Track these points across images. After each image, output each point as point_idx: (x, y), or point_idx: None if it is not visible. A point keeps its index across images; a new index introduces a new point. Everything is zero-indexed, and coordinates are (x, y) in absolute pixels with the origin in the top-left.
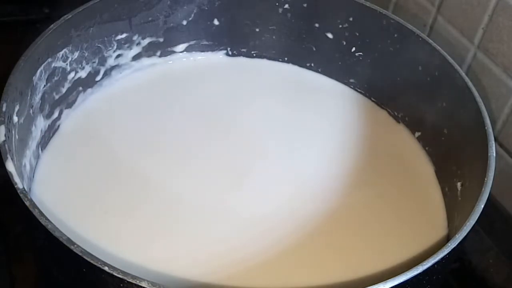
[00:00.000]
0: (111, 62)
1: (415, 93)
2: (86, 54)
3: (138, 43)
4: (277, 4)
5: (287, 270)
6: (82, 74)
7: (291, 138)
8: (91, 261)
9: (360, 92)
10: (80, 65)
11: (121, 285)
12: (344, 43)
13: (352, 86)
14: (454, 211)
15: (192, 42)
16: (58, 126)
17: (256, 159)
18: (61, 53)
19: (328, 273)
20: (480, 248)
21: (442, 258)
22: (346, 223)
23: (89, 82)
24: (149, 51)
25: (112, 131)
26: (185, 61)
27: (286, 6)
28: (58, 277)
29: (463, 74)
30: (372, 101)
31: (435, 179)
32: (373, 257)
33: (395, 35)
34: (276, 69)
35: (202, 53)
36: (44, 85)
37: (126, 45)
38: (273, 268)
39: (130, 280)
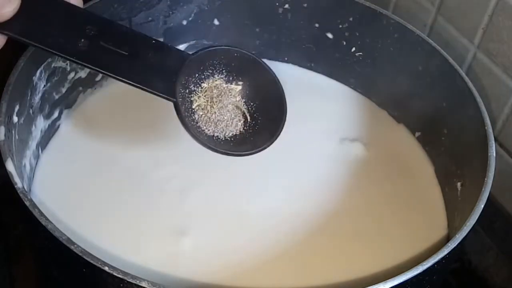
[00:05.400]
0: None
1: (415, 93)
2: None
3: None
4: (277, 4)
5: (287, 271)
6: (82, 74)
7: (290, 138)
8: (91, 261)
9: (360, 92)
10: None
11: (121, 285)
12: (344, 43)
13: (352, 86)
14: (454, 211)
15: (192, 42)
16: (58, 126)
17: (256, 159)
18: None
19: (328, 273)
20: (480, 248)
21: (442, 258)
22: (346, 223)
23: (89, 82)
24: None
25: (112, 131)
26: None
27: (286, 6)
28: (58, 277)
29: (463, 74)
30: (372, 101)
31: (435, 179)
32: (373, 257)
33: (395, 35)
34: (276, 69)
35: None
36: (44, 85)
37: None
38: (273, 268)
39: (130, 280)
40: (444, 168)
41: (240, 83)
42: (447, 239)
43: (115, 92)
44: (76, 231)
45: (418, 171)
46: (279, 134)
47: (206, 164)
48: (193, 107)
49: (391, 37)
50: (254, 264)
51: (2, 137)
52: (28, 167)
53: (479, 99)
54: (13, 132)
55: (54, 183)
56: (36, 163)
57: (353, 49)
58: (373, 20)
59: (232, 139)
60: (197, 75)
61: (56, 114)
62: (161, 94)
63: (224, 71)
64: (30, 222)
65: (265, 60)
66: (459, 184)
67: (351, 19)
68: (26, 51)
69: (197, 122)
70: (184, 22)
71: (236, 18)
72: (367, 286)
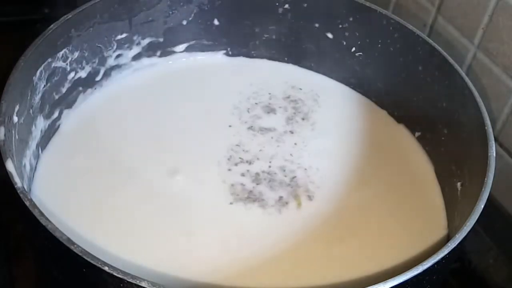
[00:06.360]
0: (111, 62)
1: (415, 93)
2: (86, 54)
3: (138, 43)
4: (277, 4)
5: (287, 270)
6: (82, 74)
7: (290, 138)
8: (91, 261)
9: (360, 92)
10: (80, 65)
11: (121, 285)
12: (344, 43)
13: (352, 86)
14: (454, 211)
15: (192, 42)
16: (58, 126)
17: (256, 159)
18: (61, 53)
19: (327, 273)
20: (480, 248)
21: (442, 258)
22: (346, 223)
23: (89, 82)
24: (149, 51)
25: (112, 131)
26: (185, 61)
27: (286, 6)
28: (58, 277)
29: (463, 74)
30: (372, 101)
31: (435, 179)
32: (373, 257)
33: (395, 35)
34: (276, 69)
35: (202, 53)
36: (44, 85)
37: (126, 45)
38: (272, 268)
39: (130, 280)
40: (444, 168)
41: None
42: (447, 239)
43: (115, 92)
44: (76, 231)
45: (418, 171)
46: None
47: (206, 163)
48: None
49: (391, 37)
50: (254, 264)
51: (2, 137)
52: (28, 167)
53: (479, 99)
54: (13, 132)
55: (54, 183)
56: (36, 163)
57: (353, 49)
58: (373, 20)
59: None
60: None
61: (56, 114)
62: None
63: None
64: (30, 222)
65: (265, 60)
66: (459, 184)
67: (351, 19)
68: (26, 51)
69: None
70: (184, 22)
71: (236, 18)
72: (367, 286)
